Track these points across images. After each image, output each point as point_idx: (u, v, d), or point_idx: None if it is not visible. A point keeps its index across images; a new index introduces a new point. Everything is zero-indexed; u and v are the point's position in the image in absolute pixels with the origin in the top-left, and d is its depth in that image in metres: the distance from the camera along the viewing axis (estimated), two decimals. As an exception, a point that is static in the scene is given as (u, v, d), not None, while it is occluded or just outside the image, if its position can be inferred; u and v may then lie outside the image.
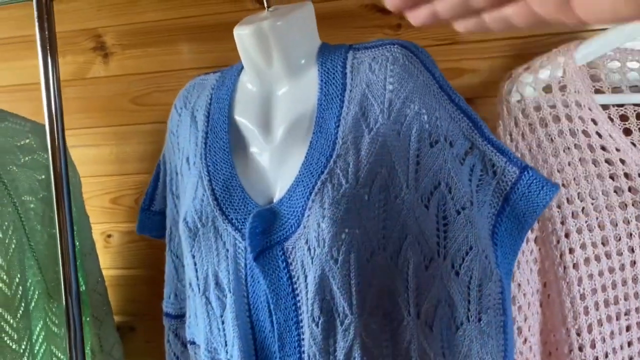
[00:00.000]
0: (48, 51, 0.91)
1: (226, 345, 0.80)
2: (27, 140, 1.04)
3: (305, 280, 0.73)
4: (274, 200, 0.77)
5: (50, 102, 0.92)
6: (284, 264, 0.74)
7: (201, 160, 0.82)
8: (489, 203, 0.73)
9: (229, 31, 1.06)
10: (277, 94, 0.81)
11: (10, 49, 1.25)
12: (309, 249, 0.72)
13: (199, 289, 0.83)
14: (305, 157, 0.74)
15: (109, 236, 1.27)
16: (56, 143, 0.93)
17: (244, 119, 0.82)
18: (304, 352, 0.74)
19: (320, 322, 0.71)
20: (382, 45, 0.77)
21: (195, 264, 0.83)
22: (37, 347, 1.01)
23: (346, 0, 1.07)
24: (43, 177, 1.04)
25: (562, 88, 0.76)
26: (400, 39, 1.02)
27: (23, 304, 1.00)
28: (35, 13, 0.90)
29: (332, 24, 1.06)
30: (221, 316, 0.80)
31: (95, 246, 1.11)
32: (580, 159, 0.76)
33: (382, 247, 0.72)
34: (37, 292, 1.02)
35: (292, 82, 0.81)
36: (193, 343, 0.89)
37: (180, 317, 0.95)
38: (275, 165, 0.79)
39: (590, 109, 0.75)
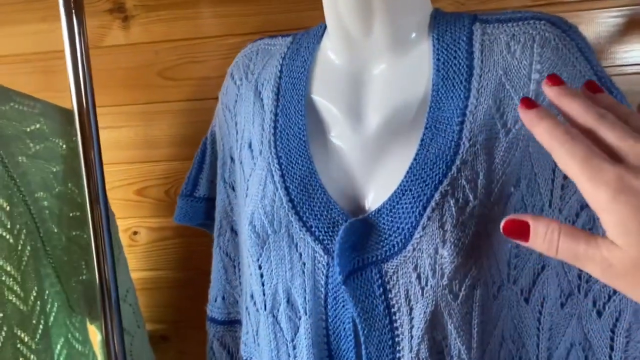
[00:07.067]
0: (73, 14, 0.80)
1: (297, 372, 0.73)
2: (38, 125, 0.92)
3: (410, 314, 0.65)
4: (367, 208, 0.67)
5: (79, 76, 0.84)
6: (381, 289, 0.65)
7: (270, 149, 0.72)
8: None
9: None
10: (373, 72, 0.70)
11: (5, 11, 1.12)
12: (418, 276, 0.63)
13: (265, 306, 0.75)
14: (415, 158, 0.64)
15: (135, 233, 1.18)
16: (85, 124, 0.85)
17: (325, 100, 0.72)
18: None
19: None
20: (524, 20, 0.66)
21: (262, 276, 0.74)
22: (58, 370, 0.97)
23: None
24: (57, 168, 0.93)
25: None
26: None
27: (42, 321, 0.92)
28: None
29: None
30: (292, 340, 0.73)
31: (122, 248, 0.99)
32: None
33: (512, 280, 0.66)
34: (56, 305, 0.93)
35: (396, 58, 0.69)
36: (249, 362, 0.81)
37: (227, 323, 0.89)
38: (367, 163, 0.68)
39: None
